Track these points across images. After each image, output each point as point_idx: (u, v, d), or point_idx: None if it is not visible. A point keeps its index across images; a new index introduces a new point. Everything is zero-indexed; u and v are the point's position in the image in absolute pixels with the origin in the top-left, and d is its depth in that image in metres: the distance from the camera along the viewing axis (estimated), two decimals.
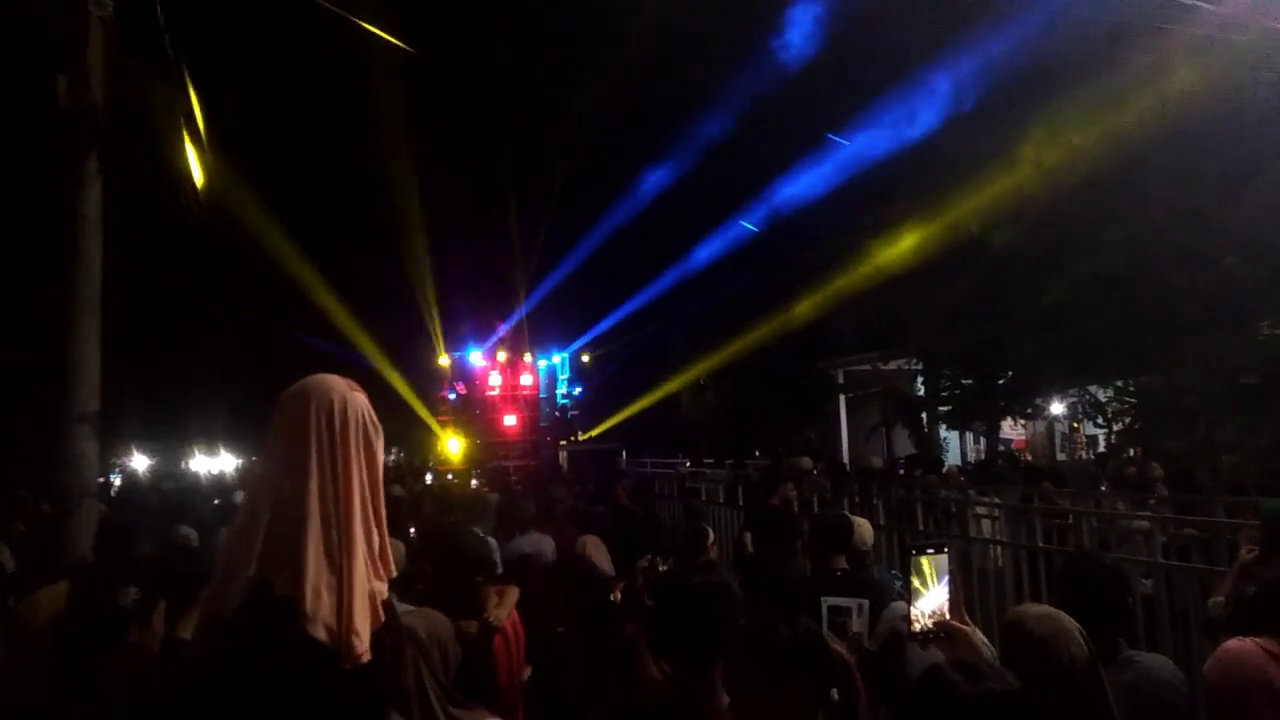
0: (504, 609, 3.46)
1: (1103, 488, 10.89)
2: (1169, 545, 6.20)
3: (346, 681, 1.76)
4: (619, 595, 3.72)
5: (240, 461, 36.02)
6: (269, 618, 1.74)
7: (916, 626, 2.29)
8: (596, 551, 4.54)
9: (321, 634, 1.73)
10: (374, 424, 1.97)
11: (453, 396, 26.75)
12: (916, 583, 2.28)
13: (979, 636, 2.37)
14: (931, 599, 2.29)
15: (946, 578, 2.30)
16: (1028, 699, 1.76)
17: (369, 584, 1.85)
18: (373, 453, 1.93)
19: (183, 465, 34.77)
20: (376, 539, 1.91)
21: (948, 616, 2.32)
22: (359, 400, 1.95)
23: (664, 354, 30.39)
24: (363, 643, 1.79)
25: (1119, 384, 15.14)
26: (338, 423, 1.88)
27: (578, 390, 28.40)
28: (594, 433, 27.97)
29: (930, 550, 2.33)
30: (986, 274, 14.85)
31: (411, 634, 2.36)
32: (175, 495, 12.23)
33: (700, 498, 12.37)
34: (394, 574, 1.97)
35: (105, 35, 4.82)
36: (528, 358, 27.07)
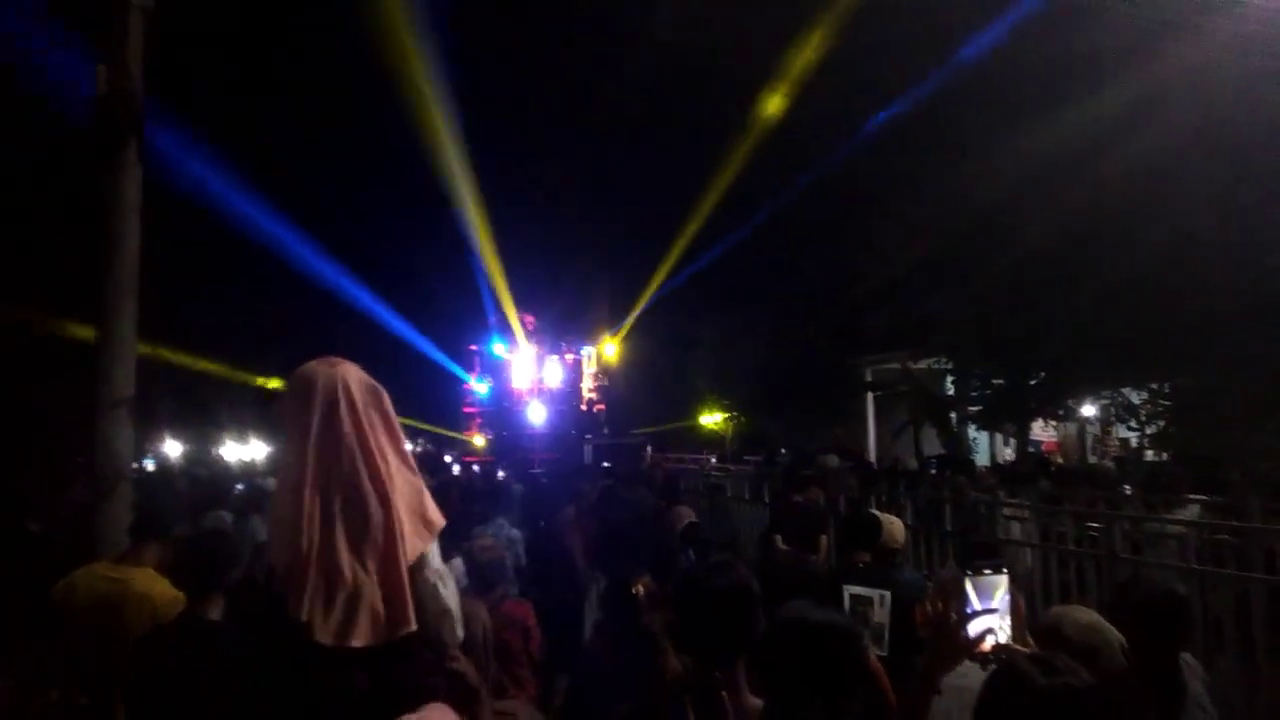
0: None
1: (1125, 488, 10.71)
2: (1203, 550, 6.10)
3: (344, 667, 1.71)
4: (641, 589, 3.72)
5: (270, 449, 36.43)
6: (261, 603, 1.74)
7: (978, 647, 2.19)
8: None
9: (318, 618, 1.70)
10: (376, 388, 1.95)
11: (479, 386, 26.92)
12: (975, 605, 2.18)
13: None
14: (989, 619, 2.18)
15: (1006, 598, 2.20)
16: (1103, 693, 1.71)
17: (390, 566, 1.81)
18: (386, 417, 1.92)
19: (214, 452, 35.21)
20: (412, 501, 1.88)
21: (1008, 638, 2.22)
22: (353, 373, 1.94)
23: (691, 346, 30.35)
24: (353, 631, 1.73)
25: (1154, 386, 14.89)
26: (345, 399, 1.88)
27: (604, 385, 28.44)
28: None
29: (988, 570, 2.22)
30: (1018, 270, 14.66)
31: (480, 621, 2.36)
32: (208, 481, 12.38)
33: (725, 494, 12.37)
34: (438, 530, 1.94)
35: (145, 25, 4.88)
36: (555, 351, 27.17)
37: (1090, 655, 2.10)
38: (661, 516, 6.51)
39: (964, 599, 2.11)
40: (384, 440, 1.89)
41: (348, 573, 1.74)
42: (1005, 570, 2.18)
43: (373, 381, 1.95)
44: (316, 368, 1.93)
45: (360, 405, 1.90)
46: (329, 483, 1.80)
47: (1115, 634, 2.20)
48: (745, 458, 18.55)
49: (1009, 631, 2.16)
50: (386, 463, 1.87)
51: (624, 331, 29.14)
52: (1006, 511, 8.24)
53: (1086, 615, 2.41)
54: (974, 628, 2.10)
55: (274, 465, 20.37)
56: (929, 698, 2.01)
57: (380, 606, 1.75)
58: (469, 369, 27.95)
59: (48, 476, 8.99)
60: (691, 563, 5.17)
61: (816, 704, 2.05)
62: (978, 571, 2.16)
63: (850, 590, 3.48)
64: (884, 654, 3.37)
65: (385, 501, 1.83)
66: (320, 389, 1.88)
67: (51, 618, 3.54)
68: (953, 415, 19.97)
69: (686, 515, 6.47)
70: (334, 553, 1.74)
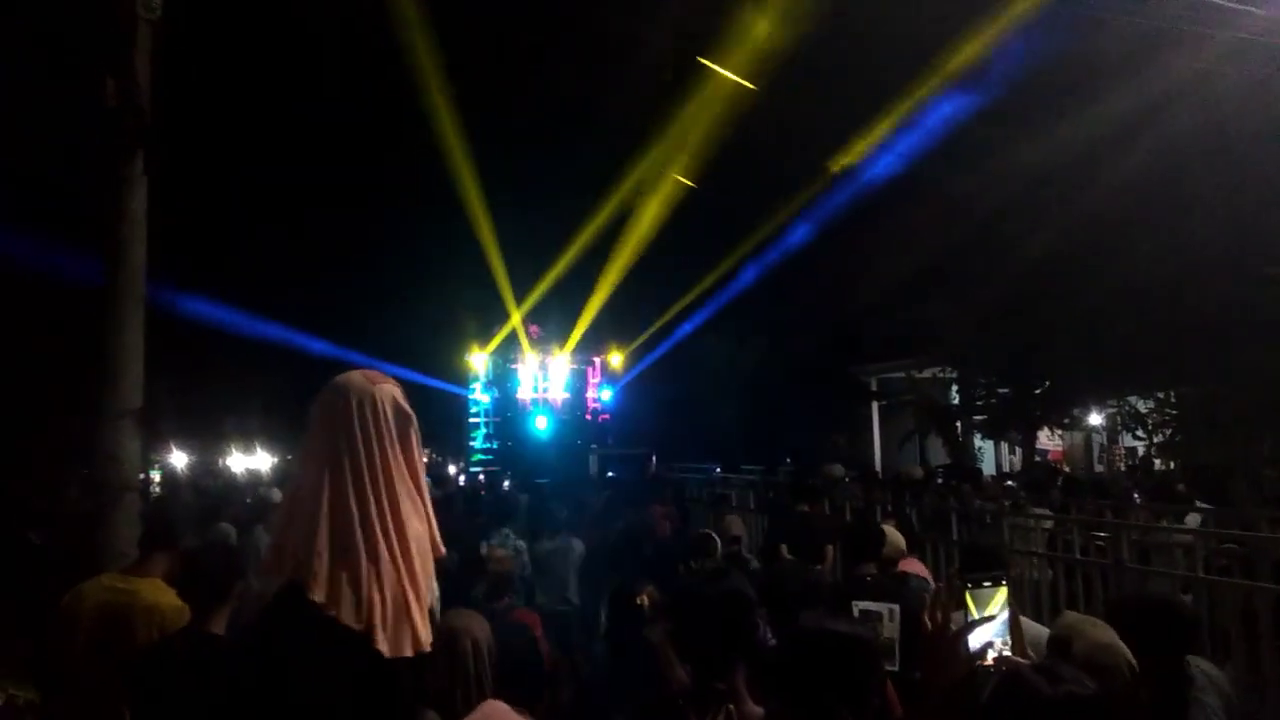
0: None
1: (1135, 497, 10.68)
2: (1209, 560, 6.08)
3: (376, 674, 1.75)
4: (645, 599, 3.72)
5: (275, 459, 36.44)
6: (300, 614, 1.73)
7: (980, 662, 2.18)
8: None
9: (356, 626, 1.73)
10: (408, 414, 1.96)
11: (484, 396, 26.93)
12: (974, 614, 2.16)
13: None
14: (989, 632, 2.16)
15: (1005, 611, 2.17)
16: (1108, 703, 1.70)
17: (418, 581, 1.85)
18: (409, 443, 1.93)
19: (220, 463, 35.23)
20: (424, 529, 1.91)
21: (1008, 651, 2.20)
22: (391, 391, 1.95)
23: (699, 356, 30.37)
24: (403, 641, 1.78)
25: (1160, 395, 14.86)
26: (382, 416, 1.89)
27: (608, 394, 28.39)
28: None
29: (987, 583, 2.20)
30: (1022, 279, 14.65)
31: (470, 635, 2.38)
32: (214, 492, 12.40)
33: (731, 503, 12.34)
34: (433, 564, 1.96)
35: (153, 37, 4.92)
36: (560, 360, 27.16)
37: (1097, 675, 2.08)
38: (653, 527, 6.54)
39: (964, 611, 2.10)
40: (405, 464, 1.93)
41: (393, 586, 1.80)
42: (1004, 582, 2.16)
43: (407, 406, 1.97)
44: (361, 381, 1.93)
45: (407, 426, 1.93)
46: (374, 498, 1.83)
47: (1126, 653, 2.16)
48: (743, 467, 18.53)
49: (1009, 644, 2.15)
50: (417, 484, 1.93)
51: (634, 345, 29.14)
52: (1027, 521, 8.20)
53: (1101, 633, 2.36)
54: (974, 640, 2.09)
55: (285, 474, 20.42)
56: (932, 710, 2.01)
57: (417, 620, 1.83)
58: (469, 382, 27.97)
59: (48, 484, 8.96)
60: (689, 572, 5.17)
61: (838, 715, 2.05)
62: (977, 585, 2.15)
63: (860, 605, 3.46)
64: (895, 669, 3.33)
65: (410, 522, 1.89)
66: (383, 401, 1.90)
67: (59, 627, 3.55)
68: (958, 424, 19.93)
69: (735, 527, 6.53)
70: (380, 565, 1.80)
